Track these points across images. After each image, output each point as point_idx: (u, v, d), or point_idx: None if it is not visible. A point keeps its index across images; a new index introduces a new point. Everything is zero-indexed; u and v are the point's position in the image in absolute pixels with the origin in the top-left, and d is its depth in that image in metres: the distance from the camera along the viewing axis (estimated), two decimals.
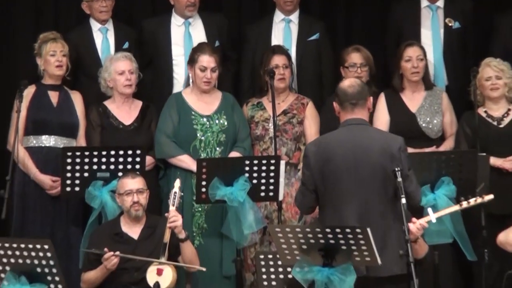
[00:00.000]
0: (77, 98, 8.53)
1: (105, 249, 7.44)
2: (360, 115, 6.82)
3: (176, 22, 8.83)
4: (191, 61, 8.42)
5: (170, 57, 8.81)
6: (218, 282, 8.25)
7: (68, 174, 8.03)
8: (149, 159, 8.28)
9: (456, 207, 7.34)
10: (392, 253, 6.69)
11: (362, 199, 6.73)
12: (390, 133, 7.32)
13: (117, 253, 7.42)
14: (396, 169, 6.53)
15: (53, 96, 8.45)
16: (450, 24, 8.85)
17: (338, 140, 6.86)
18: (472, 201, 7.33)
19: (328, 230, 6.58)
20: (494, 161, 8.19)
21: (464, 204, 7.16)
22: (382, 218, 6.74)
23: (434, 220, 6.99)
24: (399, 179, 6.53)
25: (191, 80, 8.50)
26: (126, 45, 8.73)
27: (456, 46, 8.90)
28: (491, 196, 7.34)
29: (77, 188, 8.04)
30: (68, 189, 8.07)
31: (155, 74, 8.89)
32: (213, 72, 8.35)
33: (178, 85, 8.73)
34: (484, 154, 7.97)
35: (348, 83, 6.90)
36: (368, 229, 6.57)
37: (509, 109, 8.45)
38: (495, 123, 8.38)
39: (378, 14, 9.14)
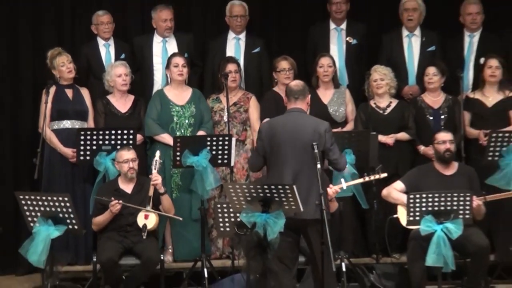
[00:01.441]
0: (85, 93, 8.51)
1: (112, 198, 7.51)
2: (300, 106, 6.92)
3: (157, 40, 8.77)
4: (167, 65, 8.41)
5: (152, 65, 8.76)
6: (189, 224, 8.25)
7: (82, 147, 8.06)
8: (139, 137, 8.28)
9: (361, 180, 7.54)
10: (314, 203, 6.70)
11: (296, 164, 6.77)
12: (319, 119, 7.33)
13: (120, 201, 7.49)
14: (314, 143, 6.63)
15: (69, 92, 8.41)
16: (350, 41, 8.86)
17: (283, 122, 6.95)
18: (372, 177, 7.53)
19: (265, 186, 6.67)
20: (381, 138, 8.21)
21: (366, 178, 7.42)
22: (308, 178, 6.75)
23: (345, 188, 7.17)
24: (316, 151, 6.61)
25: (169, 80, 8.45)
26: (122, 56, 8.69)
27: (354, 56, 8.89)
28: (385, 174, 7.56)
29: (88, 157, 8.07)
30: (82, 158, 8.10)
31: (141, 76, 8.81)
32: (184, 67, 8.34)
33: (156, 85, 8.71)
34: (374, 133, 7.98)
35: (294, 83, 7.06)
36: (294, 186, 6.66)
37: (390, 102, 8.45)
38: (381, 111, 8.39)
39: (300, 34, 9.08)
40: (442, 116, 8.42)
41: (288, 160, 6.80)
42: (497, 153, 7.90)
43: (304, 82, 7.15)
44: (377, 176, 7.63)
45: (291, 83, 7.14)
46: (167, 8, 8.65)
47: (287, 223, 6.62)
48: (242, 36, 8.82)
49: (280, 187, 6.68)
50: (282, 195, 6.65)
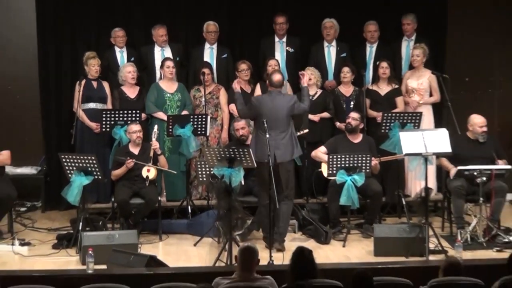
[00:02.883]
0: (106, 84, 8.49)
1: (127, 158, 7.60)
2: (278, 89, 7.14)
3: (157, 49, 8.74)
4: (162, 66, 8.43)
5: (154, 66, 8.72)
6: (178, 175, 8.27)
7: (103, 122, 8.10)
8: (143, 115, 8.30)
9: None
10: (288, 151, 7.06)
11: (276, 127, 6.96)
12: (290, 94, 7.56)
13: (133, 160, 7.59)
14: (264, 120, 6.85)
15: (94, 84, 8.41)
16: (289, 50, 8.85)
17: (266, 98, 7.23)
18: (298, 133, 7.57)
19: (230, 149, 6.82)
20: (310, 116, 8.26)
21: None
22: (285, 135, 7.02)
23: None
24: (265, 125, 6.82)
25: (162, 76, 8.47)
26: (132, 59, 8.68)
27: (292, 60, 8.85)
28: (306, 130, 7.76)
29: (108, 129, 8.11)
30: (104, 129, 8.14)
31: (147, 73, 8.78)
32: (173, 68, 8.36)
33: (157, 79, 8.67)
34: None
35: (275, 76, 7.27)
36: (250, 150, 6.79)
37: (317, 91, 8.48)
38: (310, 97, 8.22)
39: (255, 45, 9.01)
40: (352, 102, 8.49)
41: (270, 124, 6.91)
42: (387, 128, 8.03)
43: (282, 76, 7.37)
44: (301, 132, 7.82)
45: (273, 75, 7.29)
46: (162, 27, 8.63)
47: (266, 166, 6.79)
48: (215, 46, 8.79)
49: (240, 150, 6.85)
50: (242, 155, 6.81)
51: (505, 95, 9.29)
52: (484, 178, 7.21)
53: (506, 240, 7.19)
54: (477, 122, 7.71)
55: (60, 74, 8.83)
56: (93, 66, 8.34)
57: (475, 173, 7.27)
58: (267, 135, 6.82)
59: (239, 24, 9.14)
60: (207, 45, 8.80)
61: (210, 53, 8.77)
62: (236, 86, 7.49)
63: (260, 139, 7.01)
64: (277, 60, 8.53)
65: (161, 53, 8.72)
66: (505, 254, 6.51)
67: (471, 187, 7.44)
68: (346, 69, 8.49)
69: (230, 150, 6.88)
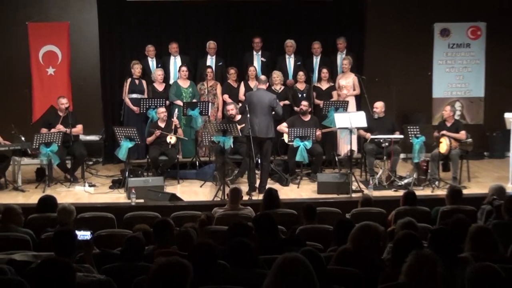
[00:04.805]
0: (143, 82, 8.34)
1: (156, 130, 7.50)
2: (263, 87, 6.89)
3: (171, 58, 8.59)
4: (179, 70, 8.28)
5: (169, 69, 8.55)
6: (189, 141, 8.16)
7: (141, 106, 7.96)
8: (167, 102, 8.20)
9: None
10: (264, 131, 6.69)
11: (261, 114, 6.70)
12: (270, 93, 7.26)
13: (160, 131, 7.48)
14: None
15: (136, 81, 8.23)
16: (263, 60, 8.70)
17: (256, 92, 6.95)
18: None
19: (224, 124, 6.80)
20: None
21: None
22: (266, 119, 6.73)
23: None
24: (246, 118, 6.70)
25: (179, 76, 8.30)
26: (159, 65, 8.52)
27: (265, 67, 8.67)
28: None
29: (144, 111, 7.97)
30: (141, 111, 8.00)
31: (166, 76, 8.55)
32: (186, 72, 8.23)
33: (171, 79, 8.51)
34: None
35: (262, 76, 7.12)
36: (237, 124, 6.69)
37: (281, 87, 8.24)
38: (277, 92, 8.08)
39: (240, 57, 8.83)
40: (304, 94, 8.35)
41: (257, 112, 6.75)
42: (326, 111, 7.93)
43: (266, 77, 7.12)
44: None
45: (261, 76, 7.11)
46: (174, 42, 8.50)
47: (253, 139, 6.50)
48: (214, 57, 8.63)
49: (230, 124, 6.80)
50: (231, 128, 6.77)
51: (400, 90, 9.20)
52: (387, 144, 7.27)
53: (400, 184, 7.27)
54: (374, 105, 7.77)
55: (114, 75, 8.73)
56: (137, 68, 8.25)
57: (381, 140, 7.33)
58: (248, 115, 6.75)
59: (230, 43, 9.01)
60: (208, 56, 8.67)
61: (210, 62, 8.64)
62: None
63: (248, 121, 6.87)
64: (254, 67, 8.44)
65: (174, 61, 8.59)
66: (399, 193, 6.57)
67: (378, 149, 7.48)
68: (300, 73, 8.40)
69: (224, 124, 6.84)
